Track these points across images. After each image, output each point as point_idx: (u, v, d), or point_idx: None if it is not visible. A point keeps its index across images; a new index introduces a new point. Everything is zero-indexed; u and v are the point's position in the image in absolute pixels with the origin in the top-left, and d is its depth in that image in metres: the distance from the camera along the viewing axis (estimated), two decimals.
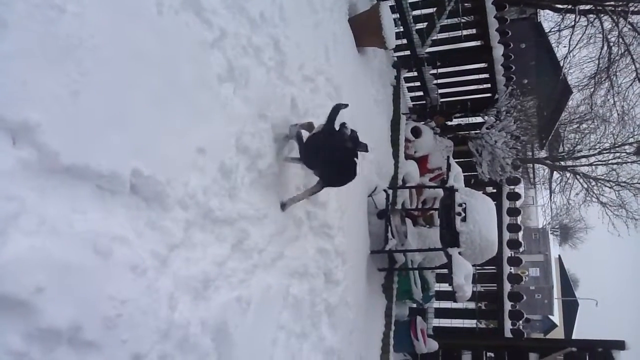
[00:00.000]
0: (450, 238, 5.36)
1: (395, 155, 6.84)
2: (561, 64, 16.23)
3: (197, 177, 2.77)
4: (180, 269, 2.57)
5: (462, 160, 7.74)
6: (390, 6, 6.15)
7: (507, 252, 7.29)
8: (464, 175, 7.43)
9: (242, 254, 3.15)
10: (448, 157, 6.65)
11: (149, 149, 2.45)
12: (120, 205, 2.28)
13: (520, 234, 7.81)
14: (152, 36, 2.55)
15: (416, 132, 7.24)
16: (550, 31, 17.03)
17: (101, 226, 2.14)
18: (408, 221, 6.46)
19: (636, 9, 12.25)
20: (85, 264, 2.03)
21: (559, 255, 51.98)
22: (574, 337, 35.78)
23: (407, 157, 7.19)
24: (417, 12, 6.88)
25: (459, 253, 5.23)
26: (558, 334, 43.12)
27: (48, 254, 1.89)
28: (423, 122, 7.46)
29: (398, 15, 6.50)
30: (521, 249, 7.96)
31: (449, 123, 7.76)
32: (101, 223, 2.15)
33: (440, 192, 6.79)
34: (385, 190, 5.96)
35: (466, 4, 6.95)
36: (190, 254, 2.67)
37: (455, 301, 5.49)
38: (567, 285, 51.39)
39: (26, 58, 1.89)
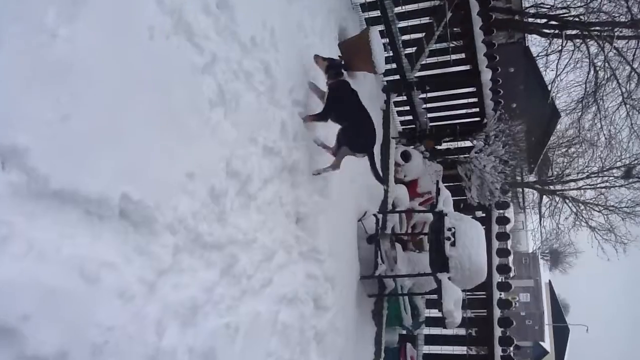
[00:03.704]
0: (440, 263, 5.35)
1: (385, 180, 6.86)
2: (549, 88, 16.43)
3: (186, 202, 2.76)
4: (168, 294, 2.55)
5: (452, 184, 7.76)
6: (379, 31, 6.22)
7: (497, 277, 7.27)
8: (453, 200, 7.44)
9: (231, 279, 3.12)
10: (437, 181, 6.67)
11: (139, 173, 2.44)
12: (108, 230, 2.26)
13: (510, 258, 7.80)
14: (144, 60, 2.56)
15: (406, 156, 7.27)
16: (538, 55, 17.27)
17: (89, 251, 2.12)
18: (398, 246, 6.45)
19: (621, 34, 12.45)
20: (73, 289, 2.01)
21: (549, 280, 51.92)
22: None
23: (397, 181, 7.21)
24: (406, 37, 6.94)
25: (449, 278, 5.21)
26: None
27: (36, 279, 1.88)
28: (412, 146, 7.50)
29: (388, 40, 6.56)
30: (511, 274, 7.94)
31: (438, 147, 7.80)
32: (89, 248, 2.13)
33: (429, 216, 6.78)
34: (374, 215, 5.95)
35: (454, 29, 7.03)
36: (179, 280, 2.65)
37: (445, 327, 5.45)
38: (558, 311, 51.26)
39: (16, 81, 1.89)
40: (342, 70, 4.58)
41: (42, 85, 1.98)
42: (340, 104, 4.47)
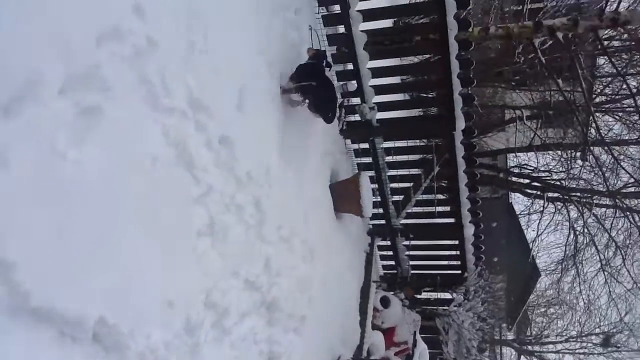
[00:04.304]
0: None
1: (363, 324, 6.75)
2: (530, 246, 16.66)
3: (160, 331, 2.72)
4: None
5: (428, 336, 7.63)
6: (370, 176, 6.45)
7: None
8: (429, 352, 7.28)
9: None
10: (415, 332, 6.58)
11: (119, 297, 2.43)
12: (79, 353, 2.23)
13: None
14: (143, 186, 2.66)
15: (385, 302, 7.22)
16: (520, 213, 17.68)
17: None
18: None
19: (600, 202, 12.87)
20: None
21: None
22: None
23: (374, 327, 7.09)
24: (394, 185, 7.18)
25: None
26: None
27: None
28: (393, 293, 7.47)
29: (377, 186, 6.78)
30: None
31: (418, 296, 7.77)
32: None
33: None
34: None
35: (441, 183, 7.28)
36: None
37: None
38: None
39: (19, 198, 1.95)
40: (325, 61, 4.90)
41: (43, 203, 2.05)
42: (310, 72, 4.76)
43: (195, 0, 3.23)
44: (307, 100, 4.77)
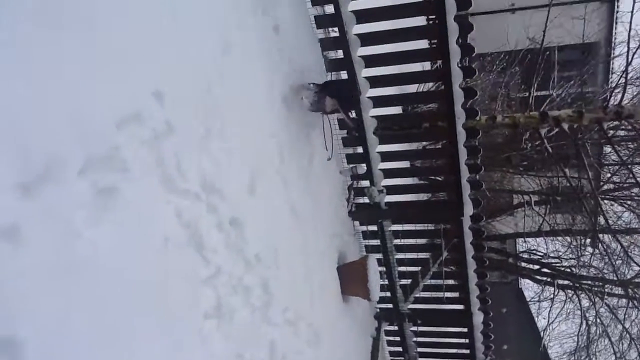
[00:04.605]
0: None
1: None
2: (541, 335, 16.23)
3: None
4: None
5: None
6: (377, 259, 6.44)
7: None
8: None
9: None
10: None
11: None
12: None
13: None
14: (153, 267, 2.68)
15: None
16: (530, 300, 17.34)
17: None
18: None
19: (612, 292, 12.64)
20: None
21: None
22: None
23: None
24: (402, 268, 7.14)
25: None
26: None
27: None
28: None
29: (384, 269, 6.75)
30: None
31: None
32: None
33: None
34: None
35: (450, 268, 7.24)
36: None
37: None
38: None
39: (31, 274, 1.98)
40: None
41: (55, 280, 2.07)
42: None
43: (213, 87, 3.38)
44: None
